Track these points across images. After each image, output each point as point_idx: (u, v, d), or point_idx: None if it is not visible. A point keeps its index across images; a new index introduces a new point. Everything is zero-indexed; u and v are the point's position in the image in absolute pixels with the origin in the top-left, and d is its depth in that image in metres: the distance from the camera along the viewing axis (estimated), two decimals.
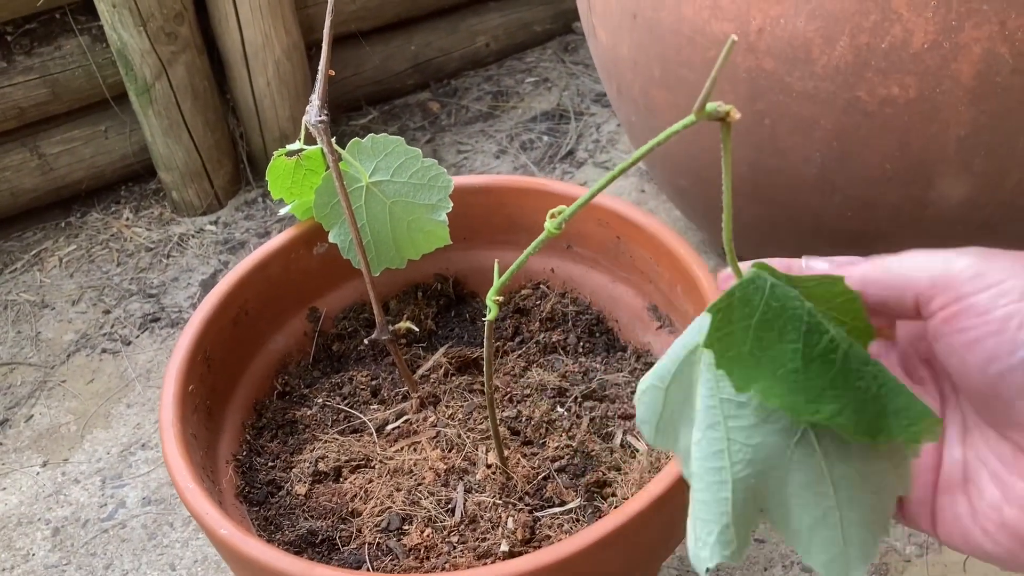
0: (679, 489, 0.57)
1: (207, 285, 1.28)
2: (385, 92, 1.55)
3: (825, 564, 0.37)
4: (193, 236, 1.36)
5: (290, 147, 0.72)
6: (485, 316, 0.56)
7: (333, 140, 0.69)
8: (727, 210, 0.39)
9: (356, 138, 0.70)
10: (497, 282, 0.55)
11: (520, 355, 0.79)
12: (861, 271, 0.38)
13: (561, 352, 0.79)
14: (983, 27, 0.74)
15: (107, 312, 1.25)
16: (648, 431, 0.40)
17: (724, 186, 0.39)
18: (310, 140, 0.70)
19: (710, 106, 0.37)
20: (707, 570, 0.38)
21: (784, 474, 0.37)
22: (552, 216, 0.47)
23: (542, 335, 0.80)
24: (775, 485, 0.37)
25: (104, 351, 1.20)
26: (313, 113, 0.66)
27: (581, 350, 0.79)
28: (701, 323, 0.37)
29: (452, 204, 0.72)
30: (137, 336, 1.21)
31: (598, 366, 0.77)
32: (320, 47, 1.54)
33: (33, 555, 0.97)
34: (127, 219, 1.39)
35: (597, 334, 0.80)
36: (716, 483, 0.36)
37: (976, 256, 0.36)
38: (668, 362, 0.39)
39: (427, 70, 1.57)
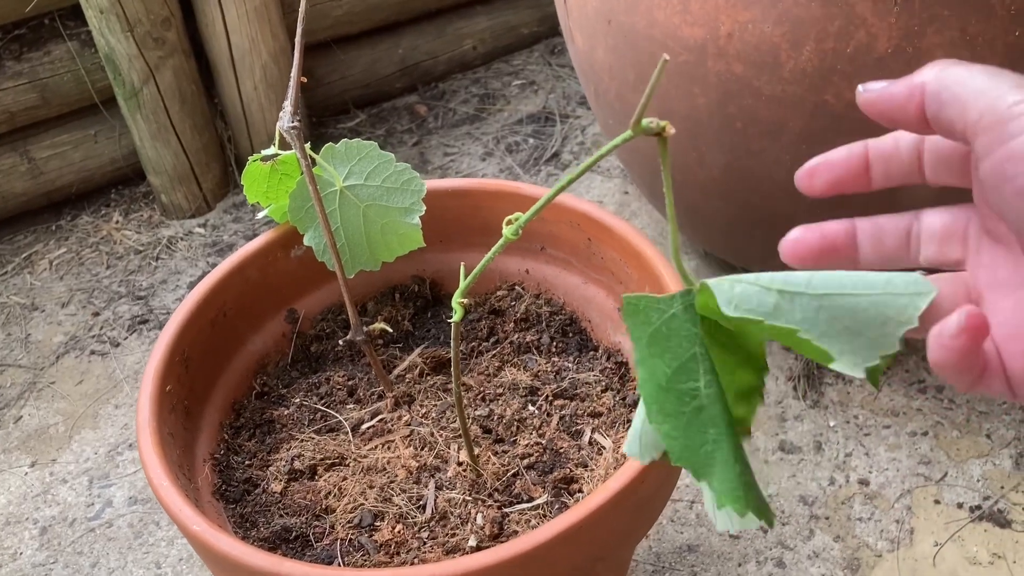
0: (639, 484, 0.58)
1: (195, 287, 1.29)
2: (373, 95, 1.57)
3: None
4: (182, 239, 1.37)
5: (265, 152, 0.73)
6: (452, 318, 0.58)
7: (309, 145, 0.71)
8: (672, 221, 0.41)
9: (330, 143, 0.72)
10: (462, 285, 0.57)
11: (494, 355, 0.81)
12: (923, 86, 0.36)
13: (535, 352, 0.80)
14: (944, 32, 0.75)
15: (96, 314, 1.27)
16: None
17: (667, 199, 0.40)
18: (285, 145, 0.72)
19: (645, 122, 0.38)
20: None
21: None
22: (508, 223, 0.49)
23: (516, 335, 0.82)
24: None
25: (93, 353, 1.22)
26: (286, 119, 0.68)
27: (554, 350, 0.80)
28: None
29: (425, 207, 0.74)
30: (126, 338, 1.23)
31: (570, 365, 0.78)
32: (308, 51, 1.55)
33: (21, 554, 0.99)
34: (117, 222, 1.41)
35: (570, 334, 0.82)
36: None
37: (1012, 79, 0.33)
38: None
39: (415, 73, 1.58)
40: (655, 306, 0.39)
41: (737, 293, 0.38)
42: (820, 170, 0.41)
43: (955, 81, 0.36)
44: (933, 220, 0.41)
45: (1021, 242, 0.35)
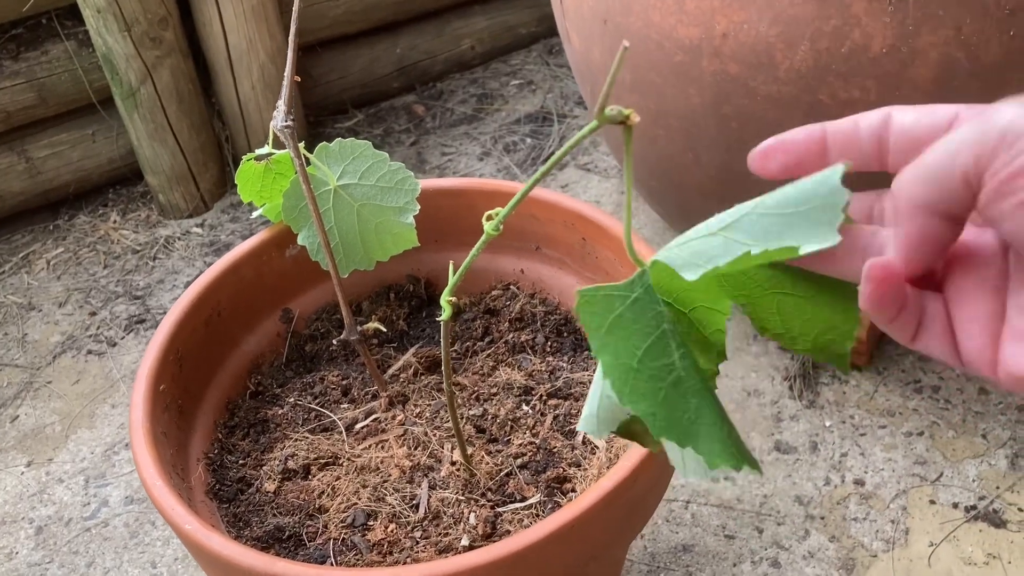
0: (631, 483, 0.58)
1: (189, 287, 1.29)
2: (371, 95, 1.57)
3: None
4: (179, 238, 1.37)
5: (259, 151, 0.73)
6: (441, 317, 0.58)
7: (303, 144, 0.71)
8: (627, 209, 0.41)
9: (324, 142, 0.72)
10: (451, 283, 0.57)
11: (489, 355, 0.81)
12: (901, 183, 0.35)
13: (529, 351, 0.80)
14: (939, 32, 0.75)
15: (93, 314, 1.27)
16: None
17: (626, 185, 0.40)
18: (279, 144, 0.72)
19: (608, 110, 0.38)
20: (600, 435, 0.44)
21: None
22: (489, 218, 0.49)
23: (511, 335, 0.82)
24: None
25: (90, 352, 1.22)
26: (280, 118, 0.68)
27: (549, 349, 0.80)
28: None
29: (419, 207, 0.74)
30: (123, 337, 1.23)
31: (564, 365, 0.78)
32: (306, 51, 1.55)
33: (16, 554, 0.99)
34: (114, 222, 1.41)
35: (565, 334, 0.82)
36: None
37: (1012, 116, 0.32)
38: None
39: (412, 73, 1.58)
40: (616, 294, 0.39)
41: (689, 255, 0.38)
42: (775, 151, 0.40)
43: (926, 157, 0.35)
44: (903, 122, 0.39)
45: (1019, 248, 0.34)
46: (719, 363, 0.42)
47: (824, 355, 0.41)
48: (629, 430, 0.43)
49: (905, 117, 0.38)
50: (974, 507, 0.93)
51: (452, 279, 0.55)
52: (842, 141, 0.39)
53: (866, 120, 0.39)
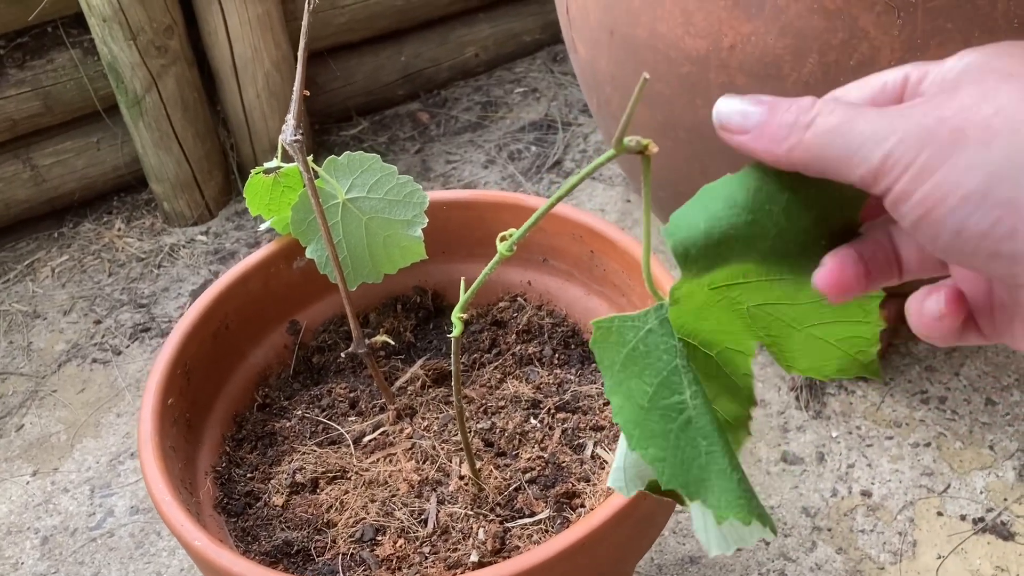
0: (642, 500, 0.58)
1: (197, 295, 1.29)
2: (375, 103, 1.57)
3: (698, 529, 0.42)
4: (184, 246, 1.37)
5: (267, 165, 0.73)
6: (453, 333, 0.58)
7: (311, 157, 0.71)
8: (646, 234, 0.41)
9: (332, 156, 0.72)
10: (462, 300, 0.57)
11: (496, 367, 0.80)
12: (805, 142, 0.36)
13: (537, 364, 0.80)
14: (947, 46, 0.75)
15: (98, 322, 1.27)
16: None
17: (644, 213, 0.40)
18: (287, 158, 0.72)
19: (627, 140, 0.38)
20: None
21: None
22: (503, 239, 0.49)
23: (518, 347, 0.81)
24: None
25: (95, 361, 1.22)
26: (289, 132, 0.68)
27: (556, 362, 0.80)
28: None
29: (427, 220, 0.74)
30: (127, 346, 1.23)
31: (572, 378, 0.78)
32: (311, 59, 1.55)
33: (22, 564, 0.99)
34: (119, 229, 1.41)
35: (572, 346, 0.82)
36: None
37: (909, 141, 0.33)
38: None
39: (417, 81, 1.59)
40: (630, 324, 0.38)
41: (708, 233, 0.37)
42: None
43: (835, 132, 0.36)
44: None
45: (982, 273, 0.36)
46: (750, 408, 0.41)
47: (854, 370, 0.41)
48: (657, 487, 0.41)
49: (849, 93, 0.39)
50: (982, 519, 0.93)
51: (464, 296, 0.55)
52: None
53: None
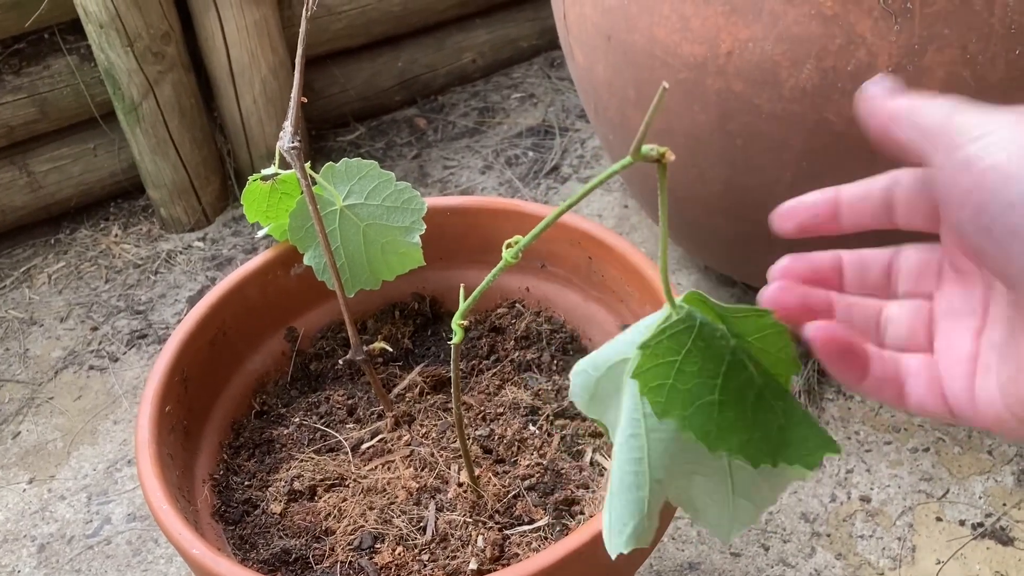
0: None
1: (194, 301, 1.29)
2: (373, 108, 1.57)
3: (714, 527, 0.43)
4: (181, 252, 1.37)
5: (265, 172, 0.73)
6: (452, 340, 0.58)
7: (308, 164, 0.71)
8: (663, 243, 0.41)
9: (330, 162, 0.72)
10: (462, 307, 0.57)
11: (495, 373, 0.80)
12: (890, 110, 0.39)
13: (535, 370, 0.80)
14: (945, 51, 0.75)
15: (95, 329, 1.26)
16: (580, 403, 0.44)
17: (660, 222, 0.40)
18: (285, 164, 0.72)
19: (644, 148, 0.38)
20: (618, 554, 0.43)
21: (692, 471, 0.41)
22: (508, 246, 0.49)
23: (517, 353, 0.81)
24: (683, 481, 0.41)
25: (92, 368, 1.21)
26: (286, 139, 0.68)
27: (555, 368, 0.80)
28: (636, 335, 0.40)
29: (425, 226, 0.74)
30: (124, 353, 1.23)
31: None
32: (308, 65, 1.55)
33: (19, 572, 0.98)
34: (116, 236, 1.41)
35: (571, 352, 0.82)
36: (634, 484, 0.40)
37: (972, 112, 0.35)
38: (603, 357, 0.42)
39: (414, 86, 1.59)
40: (681, 328, 0.38)
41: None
42: (792, 213, 0.44)
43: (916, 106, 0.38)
44: (910, 256, 0.43)
45: (1006, 282, 0.36)
46: (793, 372, 0.42)
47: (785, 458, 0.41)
48: (644, 533, 0.42)
49: (907, 176, 0.42)
50: (981, 524, 0.93)
51: (464, 303, 0.55)
52: (854, 203, 0.42)
53: (876, 182, 0.43)
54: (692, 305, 0.39)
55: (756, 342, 0.39)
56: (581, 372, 0.43)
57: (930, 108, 0.37)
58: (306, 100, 0.66)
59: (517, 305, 0.86)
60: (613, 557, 0.43)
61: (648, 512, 0.41)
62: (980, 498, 0.95)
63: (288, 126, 0.67)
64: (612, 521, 0.42)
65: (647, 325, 0.40)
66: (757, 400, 0.38)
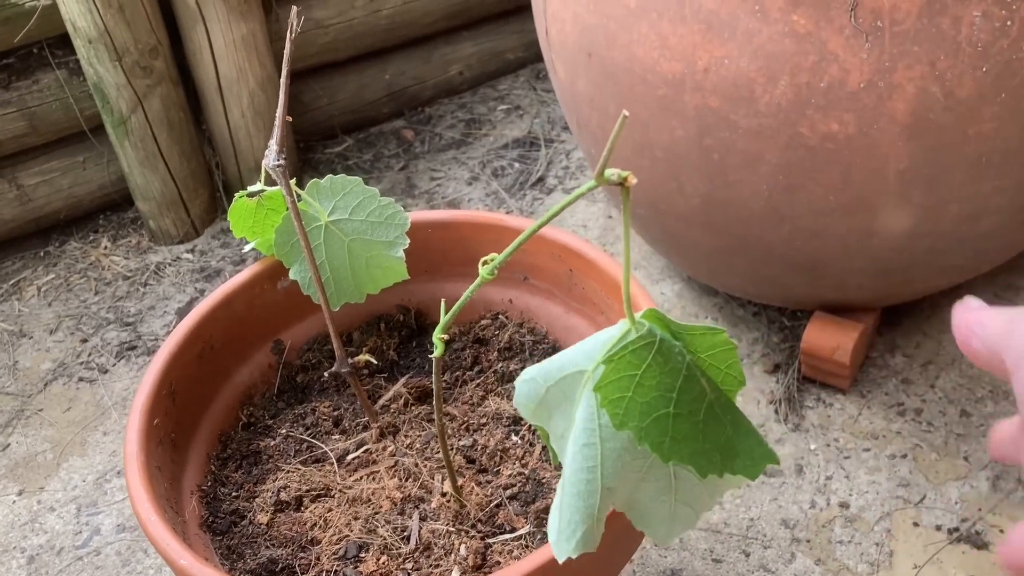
0: (620, 516, 0.59)
1: (183, 313, 1.30)
2: (360, 120, 1.58)
3: (654, 532, 0.46)
4: (170, 264, 1.38)
5: (251, 188, 0.74)
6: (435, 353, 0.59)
7: (294, 180, 0.72)
8: (626, 261, 0.42)
9: (315, 179, 0.73)
10: (442, 322, 0.58)
11: (479, 384, 0.82)
12: (981, 334, 0.40)
13: None
14: (915, 68, 0.77)
15: (84, 341, 1.27)
16: (525, 411, 0.46)
17: (624, 243, 0.42)
18: (271, 181, 0.73)
19: (607, 172, 0.40)
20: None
21: (639, 479, 0.44)
22: (484, 263, 0.50)
23: (500, 364, 0.83)
24: (631, 487, 0.44)
25: (81, 380, 1.22)
26: (272, 157, 0.69)
27: None
28: (591, 348, 0.42)
29: (409, 241, 0.75)
30: (114, 364, 1.24)
31: None
32: (295, 77, 1.57)
33: None
34: (105, 248, 1.42)
35: None
36: (586, 491, 0.42)
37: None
38: (554, 368, 0.44)
39: (401, 99, 1.60)
40: (642, 344, 0.41)
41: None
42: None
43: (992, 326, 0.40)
44: None
45: None
46: (739, 388, 0.44)
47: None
48: (591, 539, 0.44)
49: None
50: (956, 529, 0.94)
51: (444, 318, 0.57)
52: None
53: None
54: (651, 322, 0.41)
55: (708, 358, 0.42)
56: (529, 381, 0.45)
57: (992, 320, 0.39)
58: (291, 119, 0.67)
59: (500, 317, 0.87)
60: (561, 561, 0.45)
61: (597, 518, 0.43)
62: (956, 503, 0.97)
63: (273, 144, 0.69)
64: (561, 527, 0.44)
65: (602, 340, 0.42)
66: (708, 413, 0.40)
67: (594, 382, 0.41)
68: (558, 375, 0.44)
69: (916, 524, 0.95)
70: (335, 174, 0.74)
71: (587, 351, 0.43)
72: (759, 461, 0.41)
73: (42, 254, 1.42)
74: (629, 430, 0.40)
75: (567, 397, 0.44)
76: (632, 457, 0.42)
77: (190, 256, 1.40)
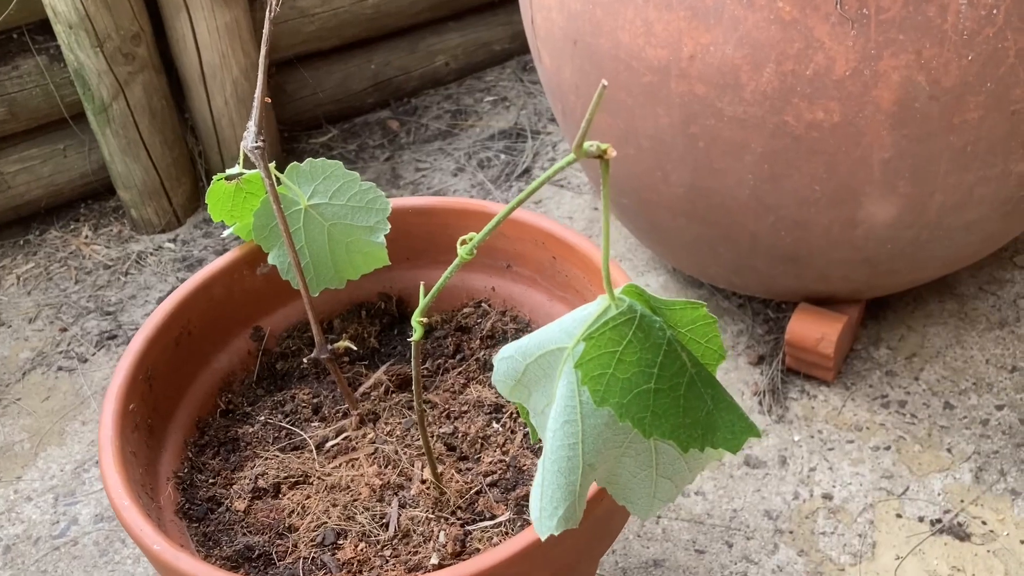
0: (598, 502, 0.59)
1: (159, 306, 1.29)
2: (345, 110, 1.57)
3: (634, 506, 0.46)
4: (151, 254, 1.37)
5: (229, 171, 0.73)
6: (416, 338, 0.59)
7: (273, 164, 0.71)
8: (605, 235, 0.42)
9: (295, 162, 0.72)
10: (422, 304, 0.57)
11: (460, 372, 0.81)
12: None
13: None
14: (900, 56, 0.77)
15: (64, 330, 1.26)
16: (503, 389, 0.46)
17: (603, 218, 0.41)
18: (250, 164, 0.72)
19: (586, 145, 0.39)
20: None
21: (620, 454, 0.43)
22: (463, 243, 0.50)
23: (482, 352, 0.82)
24: (611, 463, 0.44)
25: (60, 369, 1.21)
26: (250, 138, 0.68)
27: None
28: (571, 325, 0.42)
29: (390, 226, 0.74)
30: (94, 354, 1.22)
31: None
32: (280, 67, 1.56)
33: None
34: (86, 237, 1.40)
35: None
36: (567, 468, 0.42)
37: None
38: (533, 345, 0.44)
39: (387, 89, 1.59)
40: (623, 320, 0.40)
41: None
42: None
43: None
44: None
45: None
46: (719, 363, 0.44)
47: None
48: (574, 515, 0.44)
49: None
50: (939, 520, 0.94)
51: (423, 301, 0.56)
52: None
53: None
54: (631, 297, 0.40)
55: (688, 333, 0.41)
56: (508, 358, 0.44)
57: None
58: (270, 100, 0.66)
59: (483, 305, 0.86)
60: (543, 539, 0.44)
61: (579, 494, 0.43)
62: (939, 495, 0.97)
63: (252, 125, 0.68)
64: (543, 505, 0.44)
65: (581, 317, 0.42)
66: (689, 388, 0.40)
67: (574, 359, 0.40)
68: (537, 352, 0.44)
69: (899, 515, 0.95)
70: None
71: (566, 328, 0.43)
72: (740, 434, 0.41)
73: (22, 243, 1.40)
74: (610, 407, 0.39)
75: (547, 374, 0.43)
76: (613, 433, 0.42)
77: (172, 246, 1.38)
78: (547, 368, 0.44)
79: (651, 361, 0.40)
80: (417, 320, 0.58)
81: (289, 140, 1.54)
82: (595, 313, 0.41)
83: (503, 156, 1.49)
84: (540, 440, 0.46)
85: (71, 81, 1.29)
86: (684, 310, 0.41)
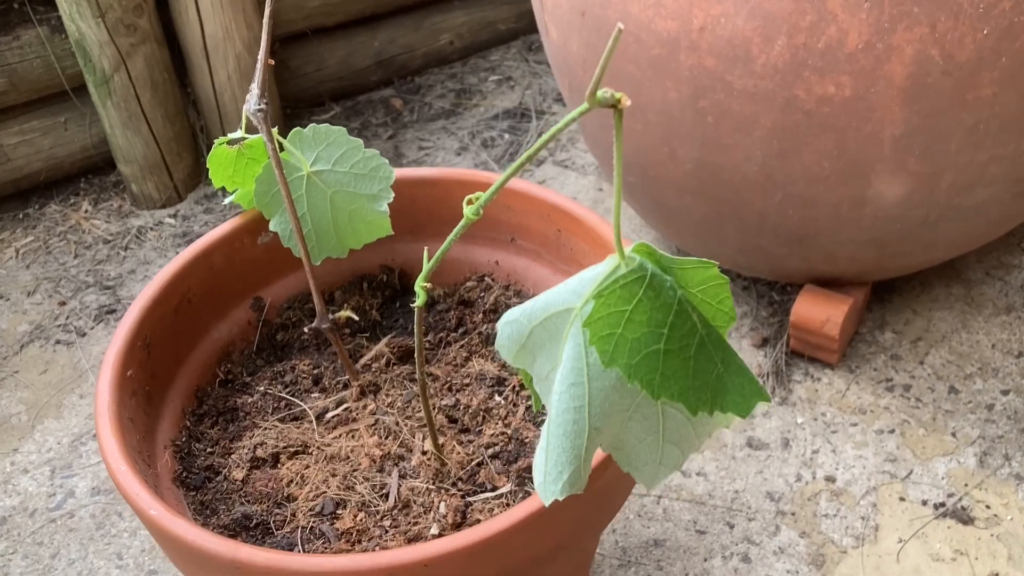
0: (600, 474, 0.58)
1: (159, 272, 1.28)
2: (348, 88, 1.56)
3: (640, 473, 0.45)
4: (152, 229, 1.36)
5: (231, 135, 0.72)
6: (419, 304, 0.58)
7: (275, 129, 0.70)
8: (617, 193, 0.41)
9: (297, 128, 0.71)
10: (425, 269, 0.56)
11: (463, 345, 0.80)
12: None
13: None
14: (914, 29, 0.76)
15: (63, 303, 1.25)
16: (506, 354, 0.45)
17: (615, 171, 0.40)
18: (252, 129, 0.71)
19: (600, 93, 0.38)
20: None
21: (627, 418, 0.42)
22: (469, 202, 0.48)
23: (485, 326, 0.81)
24: (618, 427, 0.43)
25: (58, 342, 1.20)
26: (252, 102, 0.67)
27: None
28: (578, 285, 0.41)
29: (393, 195, 0.73)
30: (92, 328, 1.21)
31: None
32: (283, 42, 1.54)
33: None
34: (86, 211, 1.39)
35: None
36: (573, 431, 0.41)
37: None
38: (539, 307, 0.43)
39: (391, 67, 1.58)
40: (633, 278, 0.39)
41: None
42: None
43: None
44: None
45: None
46: (730, 324, 0.43)
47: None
48: (579, 479, 0.43)
49: None
50: (943, 504, 0.93)
51: (427, 265, 0.55)
52: None
53: None
54: (641, 256, 0.39)
55: (699, 293, 0.40)
56: (512, 322, 0.43)
57: None
58: (273, 63, 0.65)
59: (486, 279, 0.85)
60: (547, 504, 0.44)
61: (584, 459, 0.42)
62: (943, 479, 0.96)
63: (255, 87, 0.66)
64: (548, 469, 0.43)
65: (589, 277, 0.41)
66: (699, 349, 0.39)
67: (583, 319, 0.39)
68: (543, 314, 0.43)
69: (902, 499, 0.94)
70: None
71: (574, 288, 0.42)
72: (750, 398, 0.40)
73: (21, 216, 1.39)
74: (618, 367, 0.38)
75: (552, 337, 0.42)
76: (620, 396, 0.41)
77: (172, 221, 1.37)
78: (553, 331, 0.42)
79: (661, 321, 0.39)
80: (420, 285, 0.57)
81: (292, 117, 1.52)
82: (605, 272, 0.40)
83: (507, 136, 1.48)
84: (543, 408, 0.45)
85: (72, 52, 1.27)
86: (695, 270, 0.40)
